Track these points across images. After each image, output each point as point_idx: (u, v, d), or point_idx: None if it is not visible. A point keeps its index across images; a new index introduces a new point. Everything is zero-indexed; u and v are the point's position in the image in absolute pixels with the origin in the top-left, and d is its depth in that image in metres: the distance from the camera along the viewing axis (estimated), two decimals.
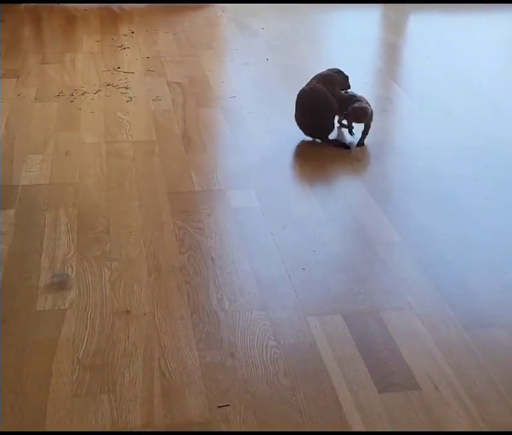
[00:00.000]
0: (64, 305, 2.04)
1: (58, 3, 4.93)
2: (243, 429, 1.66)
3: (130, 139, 3.04)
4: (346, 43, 4.45)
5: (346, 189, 2.74)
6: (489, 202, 2.66)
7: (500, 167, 2.94)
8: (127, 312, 2.02)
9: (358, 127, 3.12)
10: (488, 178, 2.84)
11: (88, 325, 1.96)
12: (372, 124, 3.07)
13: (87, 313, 2.00)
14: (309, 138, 3.09)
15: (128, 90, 3.55)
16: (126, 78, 3.70)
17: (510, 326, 2.02)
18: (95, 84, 3.61)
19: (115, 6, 4.97)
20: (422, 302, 2.10)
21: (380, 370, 1.84)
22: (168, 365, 1.84)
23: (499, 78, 4.00)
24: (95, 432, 1.65)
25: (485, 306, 2.10)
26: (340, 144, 3.05)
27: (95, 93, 3.50)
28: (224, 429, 1.66)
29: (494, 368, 1.86)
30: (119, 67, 3.85)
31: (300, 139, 3.11)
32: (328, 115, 3.05)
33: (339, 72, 3.16)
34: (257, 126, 3.23)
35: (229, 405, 1.72)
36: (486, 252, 2.36)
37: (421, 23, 5.16)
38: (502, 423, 1.69)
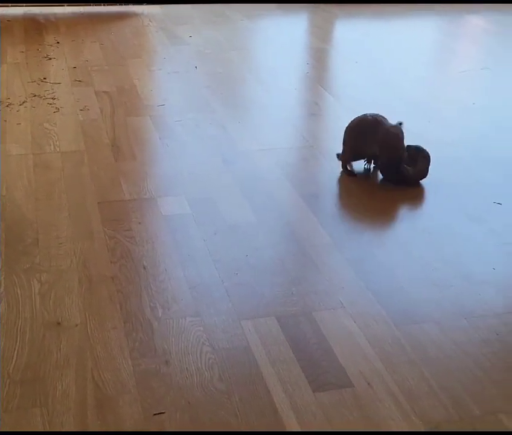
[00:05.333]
0: None
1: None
2: None
3: (58, 150, 3.00)
4: (275, 50, 4.49)
5: (277, 193, 2.76)
6: (420, 202, 2.72)
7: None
8: (58, 323, 1.98)
9: None
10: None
11: (18, 339, 1.92)
12: (301, 128, 3.10)
13: (17, 327, 1.96)
14: (240, 144, 3.11)
15: (55, 101, 3.49)
16: (53, 89, 3.64)
17: (440, 321, 2.06)
18: (20, 96, 3.54)
19: (39, 16, 4.89)
20: (354, 302, 2.13)
21: (314, 369, 1.86)
22: (102, 375, 1.81)
23: (424, 81, 4.10)
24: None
25: (416, 302, 2.15)
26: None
27: (21, 104, 3.44)
28: None
29: (425, 363, 1.89)
30: (45, 78, 3.79)
31: (230, 146, 3.12)
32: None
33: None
34: (187, 134, 3.23)
35: (164, 413, 1.71)
36: (417, 250, 2.41)
37: (348, 29, 5.24)
38: (432, 416, 1.73)
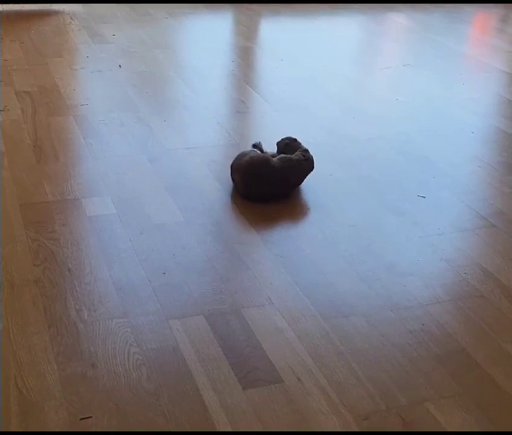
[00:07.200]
0: None
1: None
2: None
3: None
4: (200, 48, 4.46)
5: (204, 191, 2.74)
6: (344, 196, 2.75)
7: (351, 162, 3.04)
8: None
9: None
10: (342, 173, 2.93)
11: None
12: (227, 126, 3.09)
13: None
14: (166, 143, 3.08)
15: None
16: None
17: (367, 314, 2.08)
18: None
19: None
20: (282, 298, 2.13)
21: (243, 367, 1.85)
22: (26, 381, 1.76)
23: (349, 78, 4.14)
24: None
25: (343, 296, 2.16)
26: None
27: None
28: None
29: (353, 355, 1.91)
30: None
31: (156, 145, 3.08)
32: None
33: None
34: (112, 133, 3.17)
35: (91, 417, 1.67)
36: (343, 244, 2.43)
37: (273, 27, 5.26)
38: (361, 407, 1.75)
